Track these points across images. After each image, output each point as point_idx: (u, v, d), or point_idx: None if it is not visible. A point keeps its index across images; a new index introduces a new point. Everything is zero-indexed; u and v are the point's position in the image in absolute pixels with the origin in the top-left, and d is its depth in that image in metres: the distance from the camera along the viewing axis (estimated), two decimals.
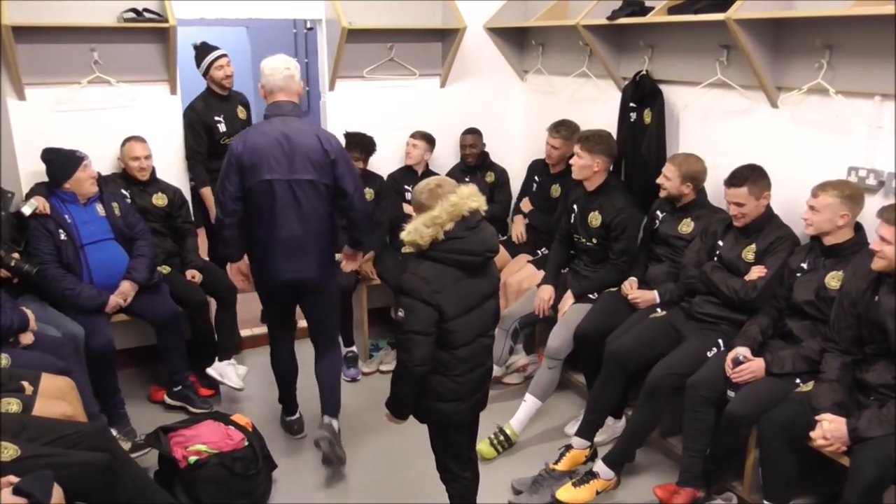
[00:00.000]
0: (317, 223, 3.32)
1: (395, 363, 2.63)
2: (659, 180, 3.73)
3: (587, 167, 3.87)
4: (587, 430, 3.60)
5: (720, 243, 3.47)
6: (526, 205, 4.71)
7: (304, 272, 3.37)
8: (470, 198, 2.57)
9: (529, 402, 3.81)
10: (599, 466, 3.42)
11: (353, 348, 4.63)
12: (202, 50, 4.47)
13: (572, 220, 4.04)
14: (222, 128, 4.47)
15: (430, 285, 2.49)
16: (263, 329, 4.95)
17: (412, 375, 2.57)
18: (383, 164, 4.84)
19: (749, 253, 3.34)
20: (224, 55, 4.48)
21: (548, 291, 4.04)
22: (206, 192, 4.45)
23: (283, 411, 3.96)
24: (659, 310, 3.65)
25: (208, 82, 4.52)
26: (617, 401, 3.63)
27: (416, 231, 2.52)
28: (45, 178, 3.81)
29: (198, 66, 4.49)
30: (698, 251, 3.55)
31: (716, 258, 3.46)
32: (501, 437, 3.75)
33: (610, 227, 3.86)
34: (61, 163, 3.77)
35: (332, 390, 3.65)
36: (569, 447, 3.56)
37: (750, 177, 3.28)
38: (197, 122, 4.43)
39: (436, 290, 2.50)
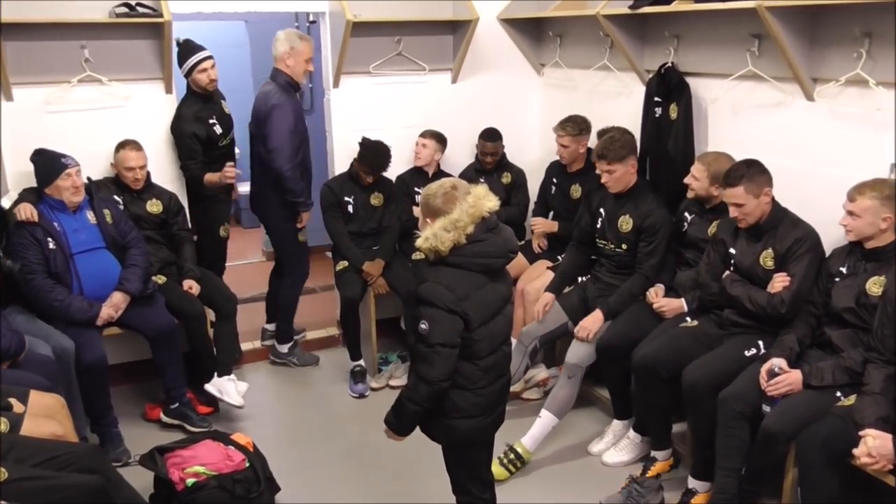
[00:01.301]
0: None
1: (412, 378, 2.60)
2: (687, 180, 3.72)
3: (626, 175, 3.83)
4: (659, 441, 3.66)
5: (732, 251, 3.45)
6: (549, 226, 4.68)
7: None
8: (486, 197, 2.59)
9: (545, 419, 3.80)
10: (693, 483, 3.43)
11: (361, 362, 4.64)
12: (185, 49, 4.36)
13: (598, 225, 4.03)
14: (218, 129, 4.45)
15: (454, 293, 2.51)
16: (265, 342, 4.99)
17: (434, 392, 2.55)
18: (391, 165, 4.83)
19: (767, 259, 3.32)
20: (209, 57, 4.34)
21: (547, 300, 4.04)
22: (210, 175, 4.40)
23: None
24: (689, 319, 3.63)
25: (190, 84, 4.41)
26: (666, 405, 3.60)
27: (435, 237, 2.52)
28: (34, 182, 3.84)
29: (180, 65, 4.37)
30: (712, 263, 3.53)
31: (731, 268, 3.44)
32: (512, 456, 3.74)
33: (641, 230, 3.84)
34: (44, 166, 3.79)
35: None
36: (653, 460, 3.63)
37: (745, 174, 3.26)
38: (191, 133, 4.33)
39: (461, 298, 2.51)
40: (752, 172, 3.27)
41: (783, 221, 3.32)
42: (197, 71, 4.33)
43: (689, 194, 3.73)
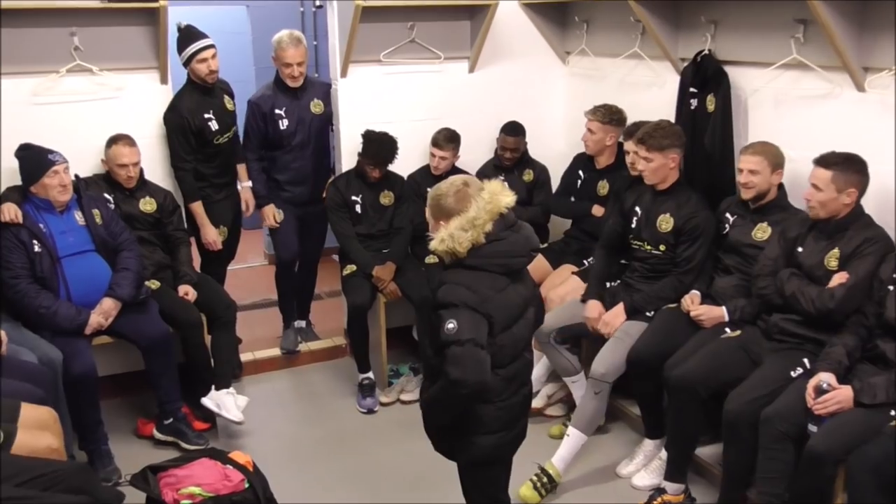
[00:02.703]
0: None
1: (439, 386, 2.57)
2: (742, 179, 3.65)
3: (663, 167, 3.81)
4: (674, 472, 3.60)
5: (799, 249, 3.42)
6: (598, 210, 4.58)
7: None
8: (502, 193, 2.59)
9: (573, 437, 3.78)
10: None
11: (370, 374, 4.63)
12: (185, 36, 4.38)
13: (634, 224, 4.00)
14: (214, 126, 4.46)
15: (476, 294, 2.51)
16: (267, 353, 5.04)
17: (465, 397, 2.51)
18: (403, 162, 4.83)
19: (832, 259, 3.29)
20: (210, 46, 4.36)
21: (597, 308, 3.99)
22: (197, 207, 4.51)
23: None
24: (728, 329, 3.61)
25: (190, 74, 4.45)
26: (698, 430, 3.59)
27: (452, 238, 2.52)
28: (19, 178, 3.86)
29: (179, 53, 4.40)
30: (776, 258, 3.49)
31: (795, 266, 3.42)
32: (545, 479, 3.72)
33: (681, 231, 3.82)
34: (30, 163, 3.81)
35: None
36: (661, 491, 3.58)
37: (842, 163, 3.23)
38: (183, 126, 4.37)
39: (483, 300, 2.52)
40: (849, 165, 3.23)
41: (856, 223, 3.29)
42: (196, 60, 4.35)
43: (748, 194, 3.65)
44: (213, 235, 4.56)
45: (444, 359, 2.49)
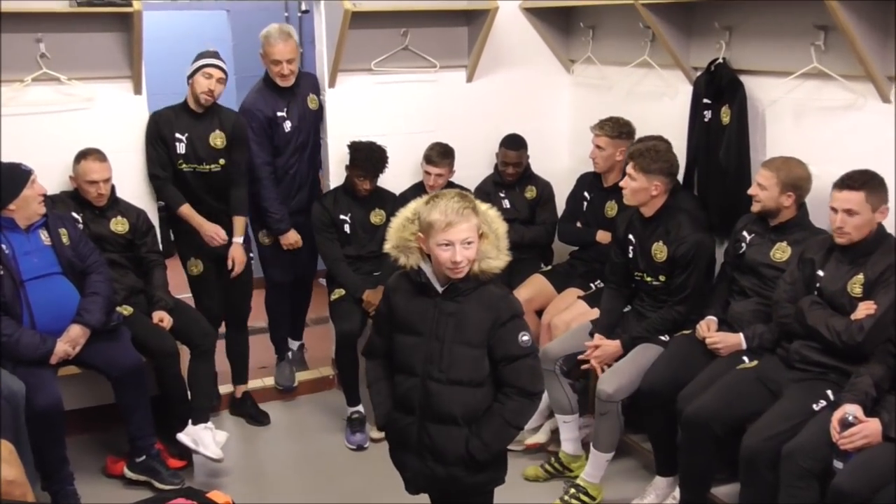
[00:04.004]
0: None
1: (518, 404, 2.75)
2: (751, 191, 3.70)
3: (642, 191, 3.85)
4: None
5: (820, 273, 3.42)
6: (604, 236, 4.58)
7: None
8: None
9: (595, 456, 3.87)
10: None
11: (360, 408, 4.61)
12: (204, 54, 4.42)
13: (631, 255, 4.02)
14: (181, 148, 4.43)
15: None
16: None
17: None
18: (396, 178, 4.86)
19: (856, 285, 3.29)
20: (220, 68, 4.41)
21: (614, 347, 3.97)
22: (186, 209, 4.48)
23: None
24: (746, 359, 3.61)
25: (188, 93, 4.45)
26: (713, 469, 3.58)
27: (501, 255, 2.75)
28: None
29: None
30: (794, 283, 3.50)
31: (815, 292, 3.42)
32: (585, 498, 3.86)
33: (675, 259, 3.85)
34: (4, 179, 3.80)
35: None
36: None
37: (868, 182, 3.24)
38: (155, 135, 4.39)
39: None
40: (875, 182, 3.25)
41: (882, 245, 3.29)
42: (201, 73, 4.35)
43: (755, 207, 3.70)
44: (212, 230, 4.50)
45: (513, 372, 2.73)
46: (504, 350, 2.71)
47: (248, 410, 4.83)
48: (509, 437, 2.81)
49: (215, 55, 4.44)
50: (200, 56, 4.42)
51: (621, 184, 3.94)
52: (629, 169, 3.86)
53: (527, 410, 2.80)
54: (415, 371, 2.76)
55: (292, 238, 4.78)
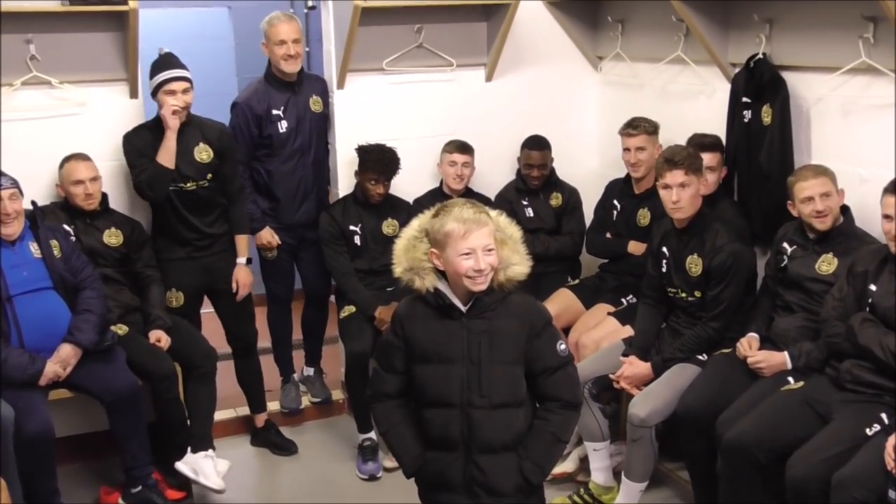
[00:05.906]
0: None
1: (563, 417, 2.80)
2: (820, 206, 3.58)
3: (697, 194, 3.83)
4: None
5: (872, 287, 3.40)
6: (636, 247, 4.57)
7: None
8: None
9: (626, 486, 3.87)
10: None
11: (372, 435, 4.60)
12: (162, 63, 4.27)
13: (664, 269, 4.02)
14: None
15: None
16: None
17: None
18: (410, 186, 4.88)
19: None
20: (181, 78, 4.23)
21: (644, 369, 3.97)
22: None
23: None
24: (792, 379, 3.59)
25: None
26: (758, 500, 3.52)
27: (523, 260, 2.74)
28: None
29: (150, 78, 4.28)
30: (844, 299, 3.49)
31: (868, 308, 3.40)
32: None
33: (711, 272, 3.84)
34: None
35: None
36: None
37: None
38: (131, 153, 4.29)
39: None
40: None
41: None
42: (162, 92, 4.21)
43: (823, 224, 3.63)
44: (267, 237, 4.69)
45: (553, 385, 2.77)
46: (543, 363, 2.73)
47: (273, 440, 4.82)
48: (559, 454, 2.90)
49: (170, 62, 4.27)
50: (155, 67, 4.26)
51: (672, 199, 3.82)
52: (681, 178, 3.77)
53: (571, 423, 2.85)
54: (452, 402, 2.69)
55: (265, 237, 4.76)
